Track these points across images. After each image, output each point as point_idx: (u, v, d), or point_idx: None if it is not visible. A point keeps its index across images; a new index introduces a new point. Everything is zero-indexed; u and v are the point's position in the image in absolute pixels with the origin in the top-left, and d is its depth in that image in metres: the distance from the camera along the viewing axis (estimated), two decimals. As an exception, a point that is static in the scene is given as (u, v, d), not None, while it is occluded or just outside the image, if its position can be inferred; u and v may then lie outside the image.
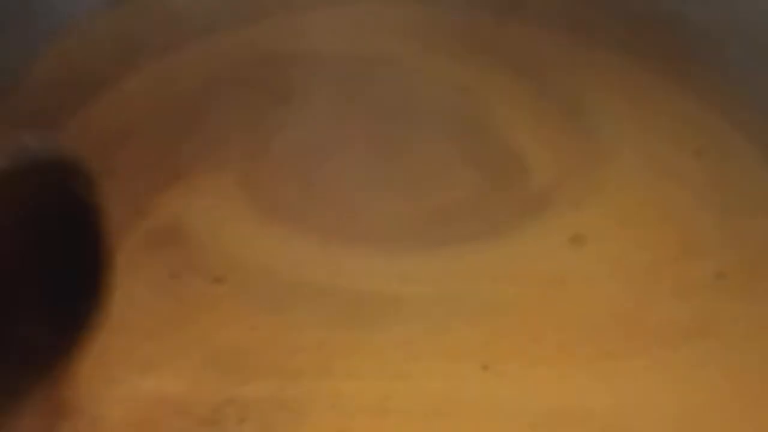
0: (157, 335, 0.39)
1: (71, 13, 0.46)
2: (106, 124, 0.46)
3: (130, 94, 0.48)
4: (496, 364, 0.38)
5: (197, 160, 0.45)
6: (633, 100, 0.48)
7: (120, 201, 0.42)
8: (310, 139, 0.46)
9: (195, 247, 0.42)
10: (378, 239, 0.42)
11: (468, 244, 0.42)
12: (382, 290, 0.40)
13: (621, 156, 0.46)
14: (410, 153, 0.46)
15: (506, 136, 0.47)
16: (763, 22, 0.44)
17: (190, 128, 0.46)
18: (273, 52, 0.50)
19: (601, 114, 0.48)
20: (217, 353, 0.38)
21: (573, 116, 0.48)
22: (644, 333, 0.39)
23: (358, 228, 0.43)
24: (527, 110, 0.48)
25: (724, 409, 0.37)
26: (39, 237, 0.33)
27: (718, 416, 0.37)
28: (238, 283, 0.41)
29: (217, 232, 0.42)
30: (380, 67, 0.50)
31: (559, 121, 0.48)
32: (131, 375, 0.38)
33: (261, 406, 0.37)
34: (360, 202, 0.44)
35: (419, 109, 0.48)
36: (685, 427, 0.37)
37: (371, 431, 0.36)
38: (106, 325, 0.39)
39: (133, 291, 0.40)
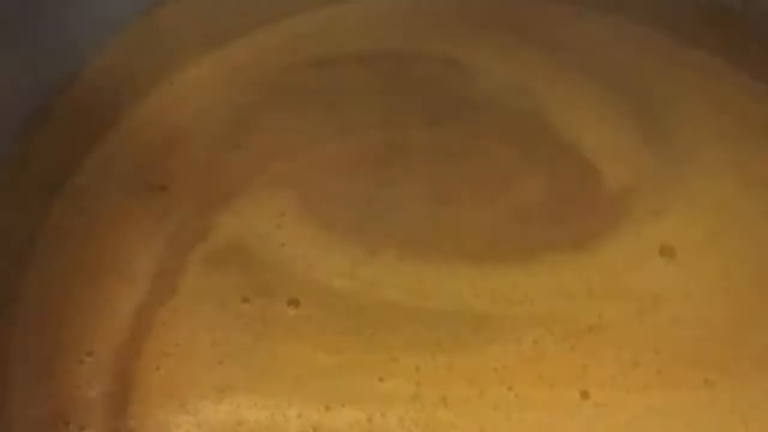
0: (230, 360, 0.37)
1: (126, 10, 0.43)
2: (155, 126, 0.44)
3: (180, 95, 0.45)
4: (595, 392, 0.36)
5: (251, 173, 0.42)
6: (714, 102, 0.45)
7: (176, 220, 0.40)
8: (365, 146, 0.43)
9: (262, 269, 0.39)
10: (458, 254, 0.40)
11: (552, 256, 0.40)
12: (470, 310, 0.38)
13: (702, 160, 0.43)
14: (472, 157, 0.43)
15: (571, 137, 0.44)
16: None
17: (239, 135, 0.43)
18: (318, 52, 0.47)
19: (678, 116, 0.45)
20: (299, 377, 0.36)
21: (645, 116, 0.45)
22: (748, 360, 0.37)
23: (434, 242, 0.40)
24: (593, 110, 0.45)
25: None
26: None
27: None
28: (313, 305, 0.38)
29: (282, 253, 0.40)
30: (432, 65, 0.46)
31: (630, 122, 0.44)
32: (204, 401, 0.36)
33: (349, 437, 0.35)
34: (430, 213, 0.41)
35: (476, 110, 0.45)
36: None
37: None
38: (174, 351, 0.36)
39: (201, 316, 0.38)
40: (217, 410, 0.36)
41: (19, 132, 0.41)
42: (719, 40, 0.46)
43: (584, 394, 0.36)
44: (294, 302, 0.38)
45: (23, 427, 0.35)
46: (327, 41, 0.47)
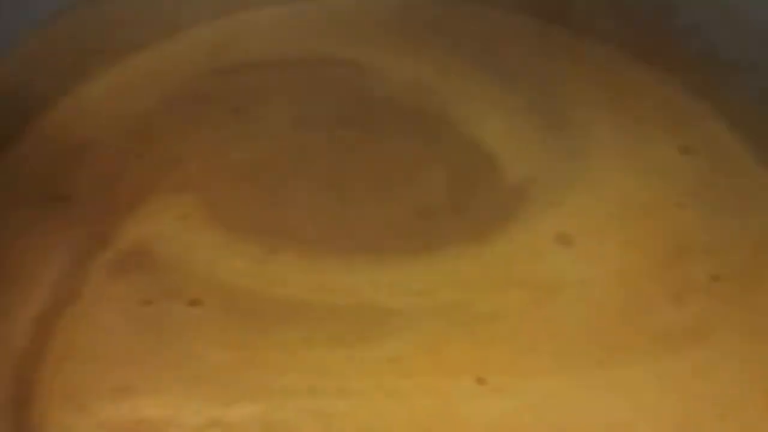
0: (131, 361, 0.37)
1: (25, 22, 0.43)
2: (59, 138, 0.44)
3: (83, 106, 0.45)
4: (492, 378, 0.37)
5: (155, 180, 0.43)
6: (613, 91, 0.46)
7: (79, 229, 0.41)
8: (269, 150, 0.44)
9: (165, 272, 0.39)
10: (358, 249, 0.40)
11: (452, 248, 0.40)
12: (370, 303, 0.39)
13: (600, 150, 0.44)
14: (375, 156, 0.44)
15: (472, 133, 0.45)
16: (756, 14, 0.43)
17: (144, 144, 0.44)
18: (222, 60, 0.47)
19: (576, 106, 0.46)
20: (199, 375, 0.36)
21: (544, 109, 0.46)
22: (640, 340, 0.38)
23: (335, 239, 0.41)
24: (493, 104, 0.46)
25: (725, 419, 0.36)
26: None
27: (719, 427, 0.36)
28: (215, 304, 0.38)
29: (186, 255, 0.40)
30: (337, 69, 0.47)
31: (529, 115, 0.46)
32: (104, 402, 0.36)
33: (247, 429, 0.35)
34: (333, 212, 0.42)
35: (379, 111, 0.46)
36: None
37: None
38: (75, 355, 0.37)
39: (102, 320, 0.38)
40: (117, 410, 0.36)
41: None
42: (619, 33, 0.47)
43: (481, 381, 0.36)
44: (195, 302, 0.38)
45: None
46: (231, 49, 0.48)
